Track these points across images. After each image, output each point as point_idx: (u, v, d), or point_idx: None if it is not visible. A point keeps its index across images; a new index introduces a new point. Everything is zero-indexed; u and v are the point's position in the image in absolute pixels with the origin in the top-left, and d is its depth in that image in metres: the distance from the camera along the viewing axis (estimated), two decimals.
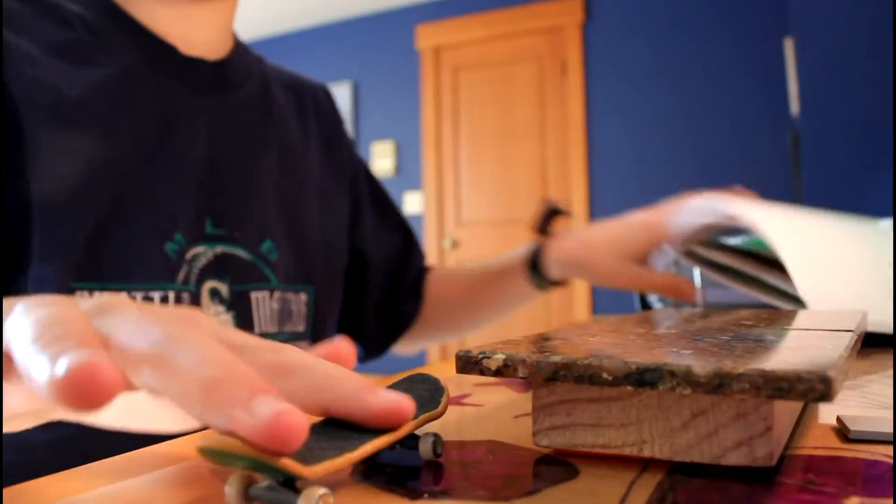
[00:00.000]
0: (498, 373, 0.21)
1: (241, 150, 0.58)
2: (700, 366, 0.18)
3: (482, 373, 0.22)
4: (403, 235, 0.76)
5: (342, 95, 3.82)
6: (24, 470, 0.44)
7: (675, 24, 3.13)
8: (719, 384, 0.17)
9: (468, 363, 0.22)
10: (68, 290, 0.45)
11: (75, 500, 0.20)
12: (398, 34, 3.74)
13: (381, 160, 3.74)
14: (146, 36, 0.53)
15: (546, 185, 3.40)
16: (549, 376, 0.20)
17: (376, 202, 0.74)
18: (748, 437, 0.19)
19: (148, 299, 0.49)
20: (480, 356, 0.22)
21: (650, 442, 0.20)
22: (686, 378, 0.18)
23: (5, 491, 0.22)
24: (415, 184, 3.70)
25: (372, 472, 0.21)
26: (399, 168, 3.74)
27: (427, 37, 3.65)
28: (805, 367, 0.17)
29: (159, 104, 0.52)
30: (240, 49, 0.62)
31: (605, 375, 0.19)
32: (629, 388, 0.19)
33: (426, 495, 0.19)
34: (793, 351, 0.21)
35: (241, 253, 0.56)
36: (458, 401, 0.33)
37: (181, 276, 0.52)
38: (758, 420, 0.19)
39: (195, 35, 0.56)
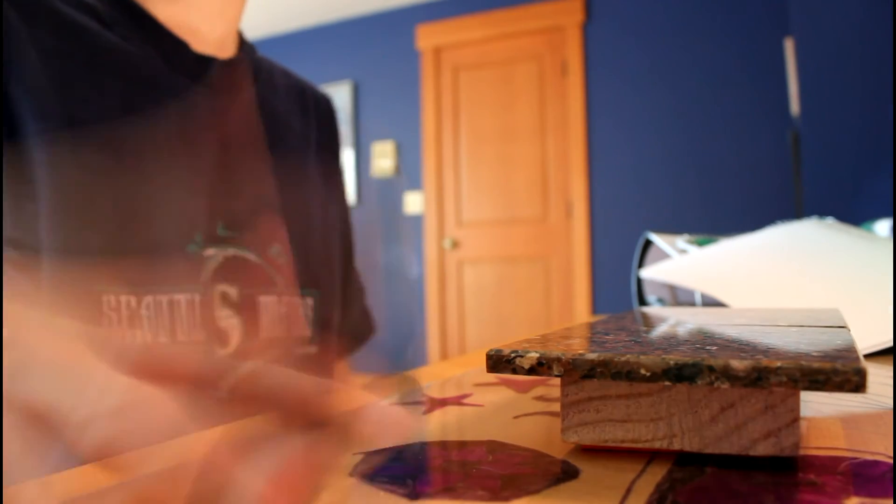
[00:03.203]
0: (531, 371, 0.21)
1: (250, 151, 0.57)
2: (738, 360, 0.18)
3: (514, 371, 0.21)
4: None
5: (342, 95, 3.82)
6: None
7: (675, 24, 3.13)
8: (757, 378, 0.18)
9: (499, 362, 0.22)
10: (96, 293, 0.45)
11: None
12: (398, 34, 3.74)
13: (381, 160, 3.74)
14: (158, 30, 0.52)
15: (546, 185, 3.40)
16: (585, 373, 0.20)
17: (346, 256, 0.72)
18: (776, 428, 0.19)
19: (174, 302, 0.49)
20: (513, 355, 0.21)
21: (680, 435, 0.20)
22: (724, 372, 0.18)
23: (5, 490, 0.22)
24: (415, 184, 3.70)
25: (372, 472, 0.21)
26: (399, 168, 3.74)
27: (427, 37, 3.65)
28: (839, 361, 0.18)
29: (174, 102, 0.51)
30: (247, 49, 0.61)
31: (643, 371, 0.19)
32: (661, 383, 0.19)
33: (426, 495, 0.19)
34: (809, 345, 0.21)
35: (250, 256, 0.55)
36: (458, 401, 0.32)
37: (199, 277, 0.51)
38: (785, 411, 0.19)
39: (206, 28, 0.55)
